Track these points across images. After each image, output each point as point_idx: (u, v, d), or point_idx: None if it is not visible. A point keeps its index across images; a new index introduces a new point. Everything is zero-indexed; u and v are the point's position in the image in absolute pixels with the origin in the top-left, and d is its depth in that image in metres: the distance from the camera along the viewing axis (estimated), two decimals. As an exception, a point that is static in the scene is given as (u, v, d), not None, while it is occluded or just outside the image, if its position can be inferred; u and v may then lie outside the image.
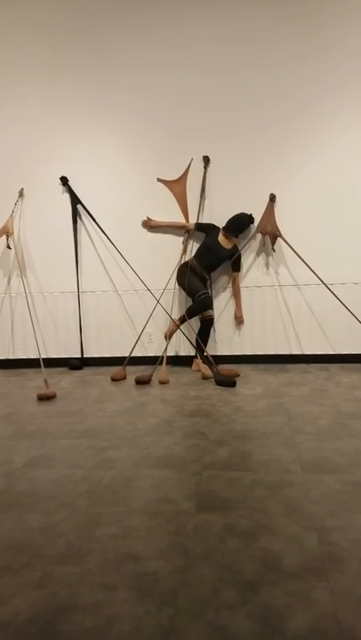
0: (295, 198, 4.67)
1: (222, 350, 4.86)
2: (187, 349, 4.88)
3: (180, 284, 4.67)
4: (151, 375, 4.30)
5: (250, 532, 1.83)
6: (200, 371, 4.40)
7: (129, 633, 1.35)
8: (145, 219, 4.83)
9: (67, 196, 4.93)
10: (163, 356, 4.50)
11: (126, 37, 4.73)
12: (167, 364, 4.56)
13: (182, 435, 2.90)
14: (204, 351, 4.52)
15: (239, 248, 4.65)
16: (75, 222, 4.93)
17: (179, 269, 4.67)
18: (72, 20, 4.78)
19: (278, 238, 4.61)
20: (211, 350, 4.69)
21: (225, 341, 4.86)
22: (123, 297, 4.96)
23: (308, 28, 4.51)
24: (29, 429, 3.13)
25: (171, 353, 4.84)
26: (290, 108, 4.61)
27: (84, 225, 4.97)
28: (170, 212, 4.83)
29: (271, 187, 4.67)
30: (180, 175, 4.80)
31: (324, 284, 4.50)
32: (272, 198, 4.65)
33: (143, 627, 1.37)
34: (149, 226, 4.83)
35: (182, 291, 4.69)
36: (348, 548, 1.70)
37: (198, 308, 4.49)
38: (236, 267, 4.68)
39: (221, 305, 4.82)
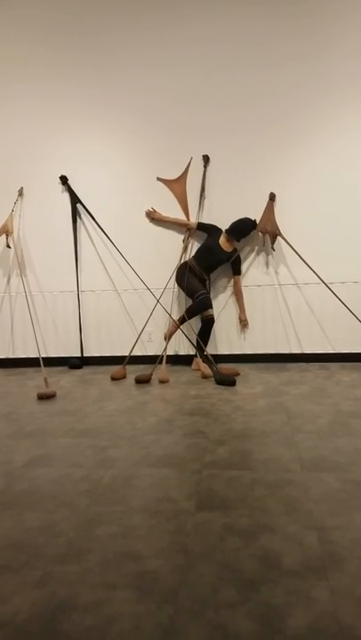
0: (295, 197, 4.66)
1: (222, 349, 4.86)
2: (187, 348, 4.88)
3: (179, 285, 4.67)
4: (151, 374, 4.30)
5: (250, 530, 1.83)
6: (200, 370, 4.40)
7: (129, 632, 1.35)
8: (150, 209, 4.82)
9: (66, 195, 4.93)
10: (163, 355, 4.50)
11: (126, 36, 4.73)
12: (167, 363, 4.56)
13: (182, 434, 2.90)
14: (204, 350, 4.52)
15: (239, 251, 4.65)
16: (74, 221, 4.93)
17: (178, 269, 4.67)
18: (72, 19, 4.77)
19: (278, 237, 4.61)
20: (211, 349, 4.69)
21: (225, 340, 4.86)
22: (122, 296, 4.95)
23: (309, 26, 4.51)
24: (29, 428, 3.12)
25: (170, 352, 4.84)
26: (290, 106, 4.60)
27: (83, 224, 4.97)
28: (170, 211, 4.82)
29: (271, 186, 4.67)
30: (179, 174, 4.80)
31: (323, 283, 4.50)
32: (272, 197, 4.65)
33: (143, 625, 1.37)
34: (153, 217, 4.83)
35: (182, 290, 4.70)
36: (349, 546, 1.70)
37: (198, 309, 4.49)
38: (237, 270, 4.68)
39: (221, 305, 4.81)
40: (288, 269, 4.73)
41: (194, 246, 4.79)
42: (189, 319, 4.55)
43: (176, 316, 4.76)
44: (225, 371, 4.29)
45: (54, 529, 1.90)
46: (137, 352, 4.82)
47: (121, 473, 2.39)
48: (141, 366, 4.74)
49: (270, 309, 4.77)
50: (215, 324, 4.76)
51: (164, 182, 4.83)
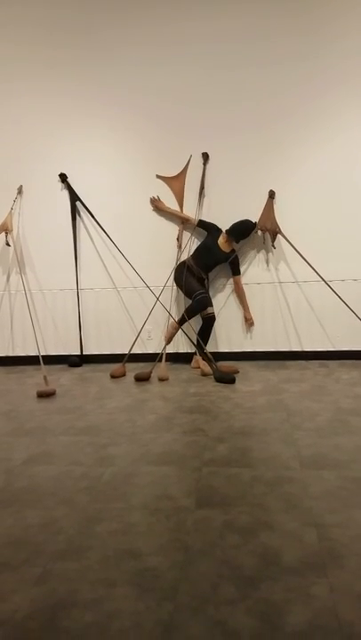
0: (295, 195, 4.66)
1: (222, 347, 4.86)
2: (186, 346, 4.88)
3: (177, 285, 4.67)
4: (151, 372, 4.30)
5: (249, 528, 1.83)
6: (199, 367, 4.40)
7: (129, 628, 1.35)
8: (155, 197, 4.81)
9: (65, 193, 4.92)
10: (162, 353, 4.50)
11: (125, 34, 4.71)
12: (166, 360, 4.57)
13: (182, 431, 2.90)
14: (203, 348, 4.52)
15: (236, 252, 4.65)
16: (74, 219, 4.92)
17: (176, 270, 4.67)
18: (71, 17, 4.75)
19: (278, 235, 4.61)
20: (210, 347, 4.69)
21: (224, 338, 4.86)
22: (122, 294, 4.95)
23: (308, 24, 4.50)
24: (29, 426, 3.13)
25: (170, 350, 4.84)
26: (290, 104, 4.59)
27: (82, 222, 4.96)
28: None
29: (271, 183, 4.67)
30: (179, 172, 4.79)
31: (323, 280, 4.50)
32: (271, 195, 4.64)
33: (143, 622, 1.37)
34: (156, 206, 4.81)
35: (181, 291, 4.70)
36: (348, 543, 1.70)
37: (197, 308, 4.49)
38: (236, 270, 4.68)
39: (220, 303, 4.81)
40: (288, 267, 4.73)
41: (192, 245, 4.78)
42: (189, 319, 4.55)
43: (176, 316, 4.76)
44: (224, 368, 4.29)
45: (54, 526, 1.91)
46: (136, 350, 4.82)
47: (121, 470, 2.39)
48: (141, 364, 4.74)
49: (270, 307, 4.77)
50: (215, 322, 4.75)
51: (163, 180, 4.82)
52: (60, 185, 4.93)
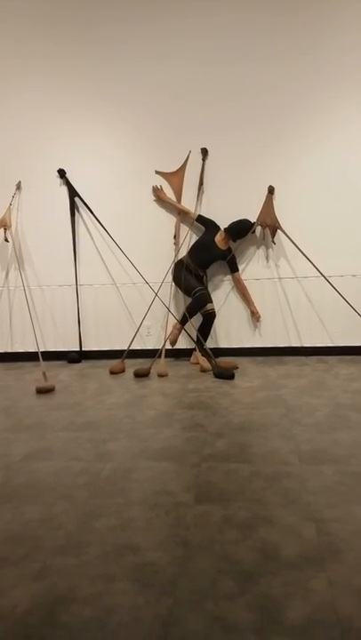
0: (294, 190, 4.65)
1: (221, 343, 4.86)
2: (185, 342, 4.88)
3: (176, 284, 4.67)
4: (150, 368, 4.30)
5: (248, 523, 1.83)
6: (199, 363, 4.40)
7: (128, 623, 1.36)
8: (157, 186, 4.79)
9: (64, 189, 4.91)
10: (161, 349, 4.50)
11: (124, 29, 4.69)
12: (166, 356, 4.56)
13: (181, 427, 2.91)
14: (203, 344, 4.52)
15: (233, 251, 4.64)
16: (72, 215, 4.91)
17: (174, 268, 4.66)
18: (70, 12, 4.73)
19: (278, 231, 4.60)
20: (210, 343, 4.69)
21: (223, 334, 4.86)
22: (121, 290, 4.95)
23: (308, 19, 4.47)
24: (28, 422, 3.13)
25: (169, 346, 4.83)
26: (289, 99, 4.58)
27: (81, 218, 4.95)
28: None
29: (270, 179, 4.65)
30: (178, 167, 4.78)
31: (323, 276, 4.50)
32: (271, 191, 4.63)
33: (142, 617, 1.38)
34: (158, 195, 4.80)
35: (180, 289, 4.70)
36: (347, 538, 1.70)
37: (196, 306, 4.49)
38: (234, 267, 4.68)
39: (219, 299, 4.81)
40: (287, 262, 4.72)
41: (190, 241, 4.77)
42: (191, 317, 4.54)
43: (175, 312, 4.75)
44: (224, 364, 4.29)
45: (53, 522, 1.91)
46: (136, 346, 4.81)
47: (120, 466, 2.39)
48: (140, 360, 4.74)
49: (270, 303, 4.77)
50: (215, 319, 4.75)
51: (162, 175, 4.81)
52: (58, 181, 4.92)
